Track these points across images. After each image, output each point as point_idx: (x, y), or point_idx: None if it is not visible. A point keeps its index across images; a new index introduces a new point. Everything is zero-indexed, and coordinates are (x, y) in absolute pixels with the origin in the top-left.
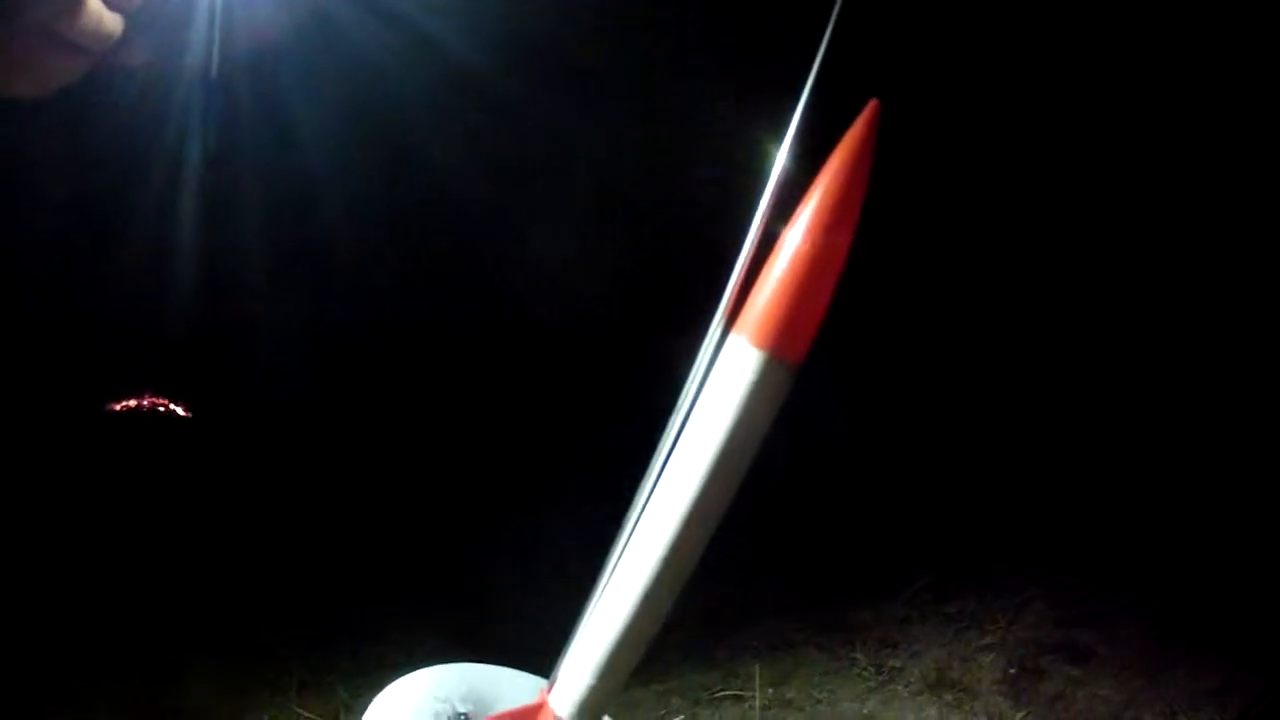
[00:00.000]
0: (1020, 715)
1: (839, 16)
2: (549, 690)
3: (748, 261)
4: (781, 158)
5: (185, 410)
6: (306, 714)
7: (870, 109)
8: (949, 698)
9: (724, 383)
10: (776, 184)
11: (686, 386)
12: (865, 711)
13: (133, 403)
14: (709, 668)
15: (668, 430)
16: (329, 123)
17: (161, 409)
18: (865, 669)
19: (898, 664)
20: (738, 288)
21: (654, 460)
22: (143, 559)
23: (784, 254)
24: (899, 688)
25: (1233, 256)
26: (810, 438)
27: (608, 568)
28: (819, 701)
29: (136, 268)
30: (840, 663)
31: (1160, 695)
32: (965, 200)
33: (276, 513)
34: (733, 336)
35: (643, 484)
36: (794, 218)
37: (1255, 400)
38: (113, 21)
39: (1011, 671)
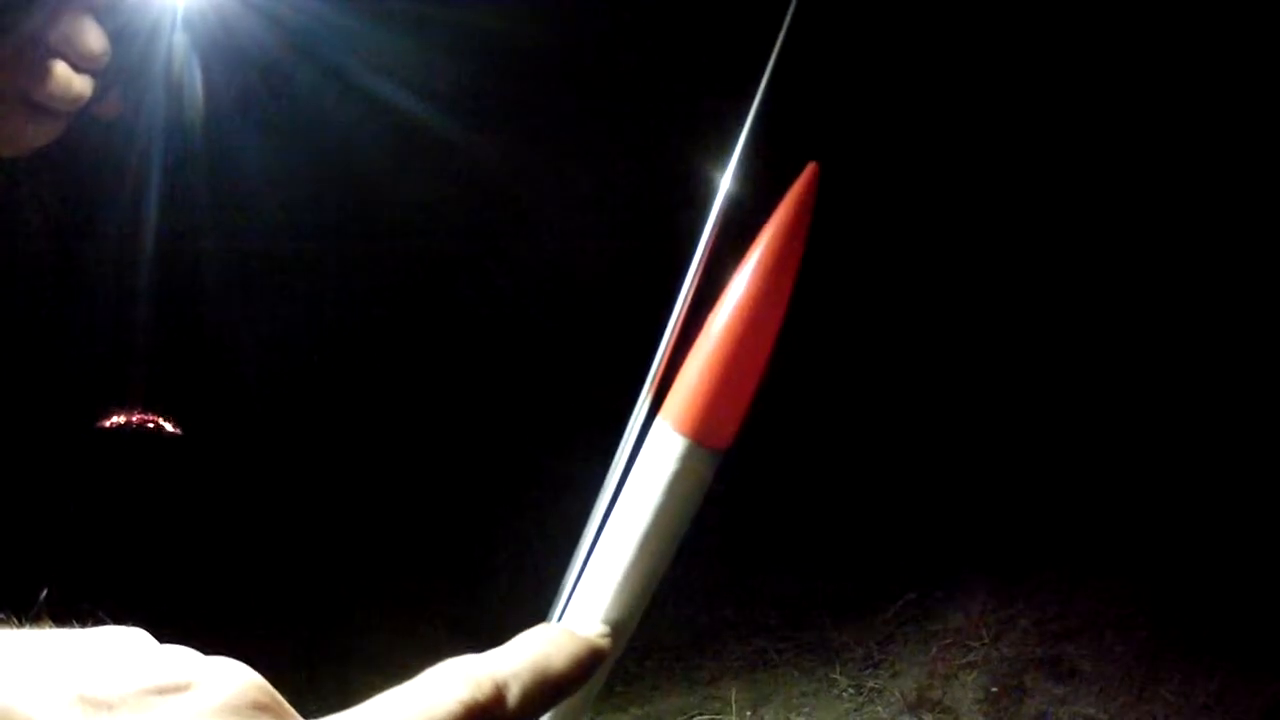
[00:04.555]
0: None
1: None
2: None
3: (673, 339)
4: (708, 232)
5: (173, 425)
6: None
7: (807, 174)
8: (929, 718)
9: (648, 468)
10: (707, 250)
11: (612, 467)
12: None
13: (120, 419)
14: (688, 690)
15: (593, 514)
16: (304, 150)
17: (151, 424)
18: (845, 690)
19: (877, 684)
20: (663, 365)
21: (578, 547)
22: (130, 562)
23: (708, 339)
24: (878, 709)
25: (1219, 254)
26: (788, 456)
27: None
28: None
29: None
30: (819, 683)
31: (1147, 713)
32: (944, 208)
33: (264, 509)
34: (658, 420)
35: (567, 572)
36: (717, 304)
37: (1247, 408)
38: (82, 84)
39: (994, 690)
